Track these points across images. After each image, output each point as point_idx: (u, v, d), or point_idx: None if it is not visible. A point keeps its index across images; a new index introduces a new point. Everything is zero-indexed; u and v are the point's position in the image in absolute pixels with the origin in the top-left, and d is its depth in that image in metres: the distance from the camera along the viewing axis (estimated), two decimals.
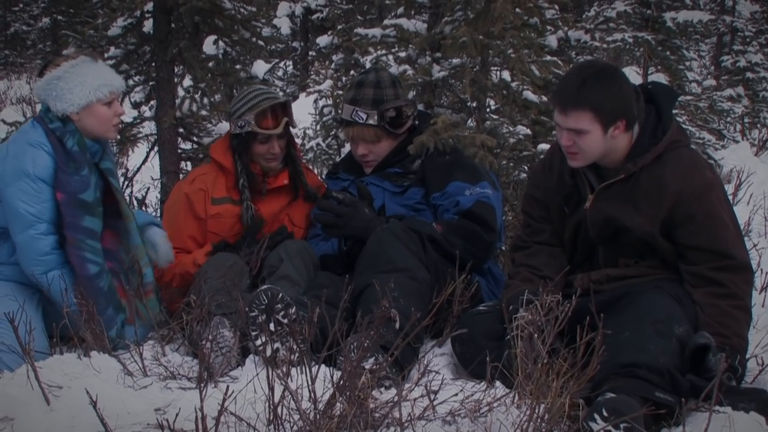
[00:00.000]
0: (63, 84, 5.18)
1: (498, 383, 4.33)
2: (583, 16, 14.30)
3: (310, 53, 18.49)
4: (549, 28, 8.00)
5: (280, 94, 6.03)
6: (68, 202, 5.13)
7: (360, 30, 7.59)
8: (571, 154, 4.67)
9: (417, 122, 5.81)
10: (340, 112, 6.26)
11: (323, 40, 14.54)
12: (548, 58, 6.72)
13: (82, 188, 5.18)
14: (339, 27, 14.73)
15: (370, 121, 5.65)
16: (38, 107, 5.39)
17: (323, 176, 6.99)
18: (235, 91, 6.44)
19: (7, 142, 5.32)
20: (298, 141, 9.21)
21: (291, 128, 5.86)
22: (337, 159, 7.86)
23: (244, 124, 5.66)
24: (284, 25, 17.89)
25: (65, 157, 5.15)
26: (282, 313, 4.60)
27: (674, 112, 4.82)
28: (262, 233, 5.73)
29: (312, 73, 16.55)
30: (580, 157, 4.65)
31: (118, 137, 6.65)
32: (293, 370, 3.86)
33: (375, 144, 5.73)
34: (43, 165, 5.08)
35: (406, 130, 5.77)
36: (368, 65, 7.99)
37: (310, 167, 7.35)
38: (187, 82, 6.94)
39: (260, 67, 8.65)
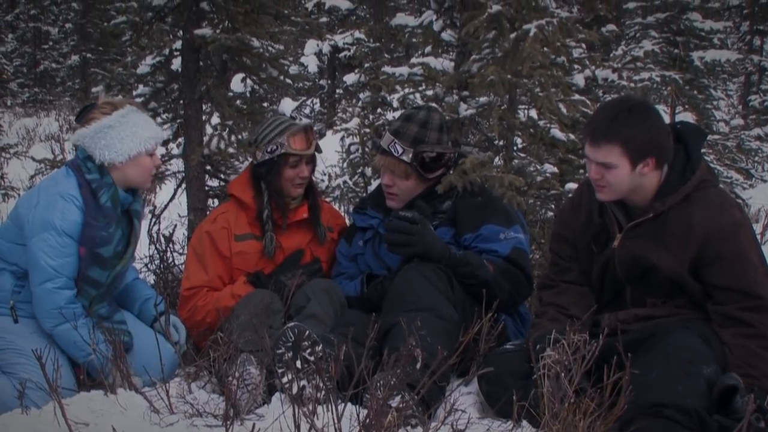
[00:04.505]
0: (114, 133, 5.19)
1: (524, 422, 4.32)
2: (611, 55, 14.32)
3: (337, 91, 18.53)
4: (576, 66, 8.01)
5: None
6: (86, 255, 5.15)
7: (387, 68, 7.61)
8: (599, 187, 4.67)
9: (452, 171, 5.75)
10: (381, 136, 6.23)
11: (350, 78, 14.60)
12: (576, 97, 6.71)
13: (104, 244, 5.19)
14: (366, 65, 14.79)
15: (404, 157, 5.61)
16: (67, 146, 5.37)
17: (350, 212, 6.99)
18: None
19: (38, 188, 5.29)
20: (324, 179, 9.25)
21: (317, 153, 5.88)
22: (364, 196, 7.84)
23: (276, 147, 5.68)
24: (311, 63, 17.95)
25: (96, 211, 5.15)
26: (308, 350, 4.60)
27: (702, 151, 4.81)
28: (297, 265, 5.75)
29: (339, 111, 16.59)
30: (607, 190, 4.65)
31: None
32: (319, 408, 3.86)
33: (402, 180, 5.70)
34: (71, 220, 5.09)
35: (437, 176, 5.73)
36: (395, 103, 8.00)
37: (331, 203, 7.37)
38: (215, 119, 6.96)
39: (287, 105, 8.71)
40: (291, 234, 5.87)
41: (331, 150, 9.93)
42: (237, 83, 7.27)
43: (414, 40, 7.84)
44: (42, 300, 5.08)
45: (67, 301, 5.08)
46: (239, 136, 6.75)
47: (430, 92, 7.18)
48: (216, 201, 7.11)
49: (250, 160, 6.00)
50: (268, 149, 5.70)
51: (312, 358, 4.56)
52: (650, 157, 4.53)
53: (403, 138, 5.64)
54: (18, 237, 5.16)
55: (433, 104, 6.54)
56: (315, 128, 6.19)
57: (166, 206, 7.41)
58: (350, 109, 11.27)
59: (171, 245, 7.31)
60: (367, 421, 3.64)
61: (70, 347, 5.06)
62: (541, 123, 6.71)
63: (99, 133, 5.18)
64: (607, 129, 4.51)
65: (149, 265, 7.26)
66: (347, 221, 6.43)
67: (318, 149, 5.85)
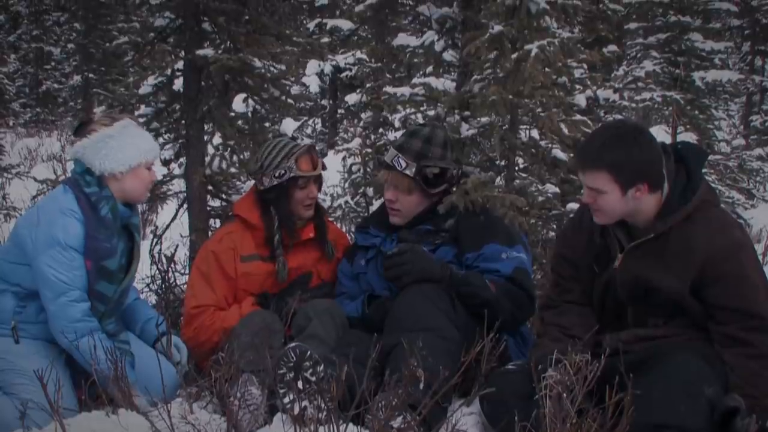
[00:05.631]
0: (115, 143, 5.19)
1: None
2: (612, 75, 14.32)
3: (339, 111, 18.56)
4: (578, 87, 8.02)
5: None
6: (93, 268, 5.15)
7: (389, 88, 7.62)
8: (593, 211, 4.69)
9: (455, 189, 5.77)
10: (385, 153, 6.23)
11: (352, 98, 14.60)
12: (577, 117, 6.71)
13: (108, 256, 5.18)
14: (368, 85, 14.78)
15: (407, 172, 5.61)
16: (69, 165, 5.36)
17: (352, 231, 6.99)
18: None
19: (37, 208, 5.30)
20: (327, 198, 9.25)
21: (323, 171, 5.90)
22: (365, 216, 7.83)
23: (284, 172, 5.68)
24: (313, 84, 17.96)
25: (97, 224, 5.15)
26: (310, 371, 4.59)
27: (703, 171, 4.80)
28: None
29: (340, 131, 16.61)
30: (601, 214, 4.66)
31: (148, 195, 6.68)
32: (321, 429, 3.85)
33: (405, 195, 5.70)
34: (74, 233, 5.08)
35: (440, 192, 5.74)
36: (397, 123, 8.02)
37: (334, 222, 7.37)
38: (217, 140, 6.97)
39: (289, 125, 8.69)
40: (297, 253, 5.87)
41: (332, 170, 9.93)
42: (239, 103, 7.27)
43: (416, 60, 7.86)
44: (58, 316, 5.05)
45: (83, 313, 5.07)
46: (241, 156, 6.75)
47: (431, 112, 7.19)
48: (218, 221, 7.10)
49: (253, 180, 5.99)
50: (276, 174, 5.70)
51: (313, 379, 4.55)
52: (642, 183, 4.52)
53: (406, 153, 5.65)
54: (19, 257, 5.15)
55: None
56: (317, 148, 6.19)
57: (167, 226, 7.40)
58: (352, 129, 11.30)
59: (173, 265, 7.30)
60: None
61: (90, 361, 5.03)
62: (542, 143, 6.71)
63: (99, 143, 5.19)
64: (595, 155, 4.52)
65: (151, 286, 7.25)
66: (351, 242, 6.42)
67: (323, 167, 5.87)
